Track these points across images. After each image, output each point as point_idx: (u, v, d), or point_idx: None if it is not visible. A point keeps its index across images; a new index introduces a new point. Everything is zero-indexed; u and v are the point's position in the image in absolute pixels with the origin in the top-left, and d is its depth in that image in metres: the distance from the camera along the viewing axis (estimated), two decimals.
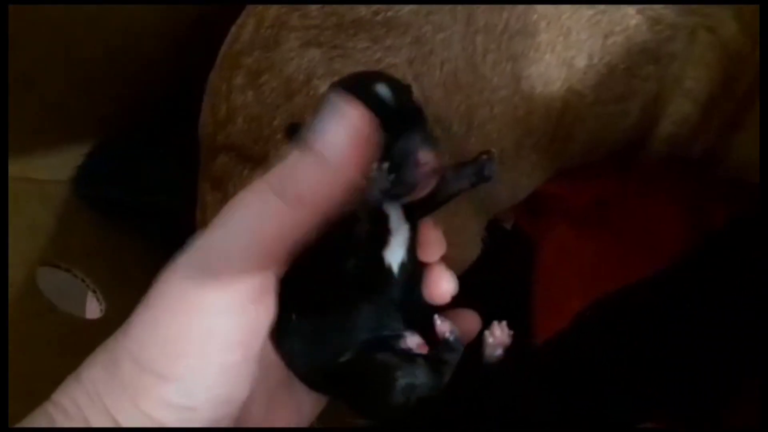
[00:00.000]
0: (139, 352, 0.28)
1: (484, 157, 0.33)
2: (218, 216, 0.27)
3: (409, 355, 0.32)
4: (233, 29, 0.49)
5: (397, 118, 0.29)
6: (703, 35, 0.46)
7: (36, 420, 0.29)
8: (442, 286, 0.34)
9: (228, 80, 0.47)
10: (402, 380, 0.31)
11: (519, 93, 0.45)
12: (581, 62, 0.45)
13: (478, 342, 0.38)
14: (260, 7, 0.47)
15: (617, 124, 0.49)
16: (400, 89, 0.30)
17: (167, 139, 0.67)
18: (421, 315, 0.34)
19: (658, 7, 0.45)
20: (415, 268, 0.34)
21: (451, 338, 0.33)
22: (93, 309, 0.66)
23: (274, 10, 0.46)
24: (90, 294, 0.65)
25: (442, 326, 0.33)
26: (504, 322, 0.34)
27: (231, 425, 0.30)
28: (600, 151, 0.51)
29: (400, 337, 0.33)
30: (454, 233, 0.52)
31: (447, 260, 0.54)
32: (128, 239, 0.69)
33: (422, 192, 0.30)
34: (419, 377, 0.31)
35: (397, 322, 0.33)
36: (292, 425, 0.35)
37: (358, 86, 0.29)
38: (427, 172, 0.29)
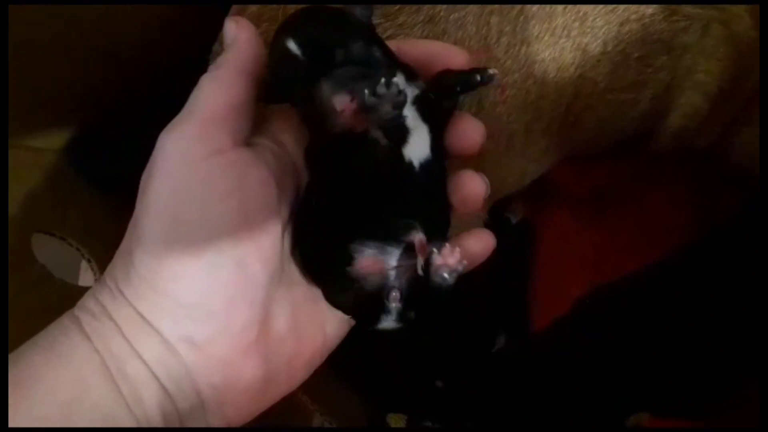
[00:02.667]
0: (147, 230, 0.30)
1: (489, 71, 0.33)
2: None
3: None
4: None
5: (317, 62, 0.32)
6: (717, 29, 0.46)
7: (63, 322, 0.31)
8: (473, 188, 0.36)
9: None
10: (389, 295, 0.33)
11: (532, 77, 0.45)
12: (596, 49, 0.45)
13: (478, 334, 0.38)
14: None
15: (627, 113, 0.49)
16: (320, 28, 0.33)
17: (164, 109, 0.66)
18: (440, 218, 0.35)
19: None
20: (440, 168, 0.35)
21: (445, 268, 0.32)
22: (87, 277, 0.65)
23: None
24: (84, 263, 0.65)
25: (446, 255, 0.32)
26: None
27: (252, 332, 0.31)
28: (608, 139, 0.51)
29: (408, 228, 0.33)
30: (456, 218, 0.52)
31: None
32: (123, 210, 0.68)
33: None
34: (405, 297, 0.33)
35: (413, 221, 0.33)
36: (317, 343, 0.36)
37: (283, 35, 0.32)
38: (349, 114, 0.31)
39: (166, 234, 0.30)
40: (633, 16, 0.45)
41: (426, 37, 0.43)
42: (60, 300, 0.58)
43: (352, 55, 0.32)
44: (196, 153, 0.31)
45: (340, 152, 0.33)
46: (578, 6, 0.44)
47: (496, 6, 0.43)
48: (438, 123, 0.35)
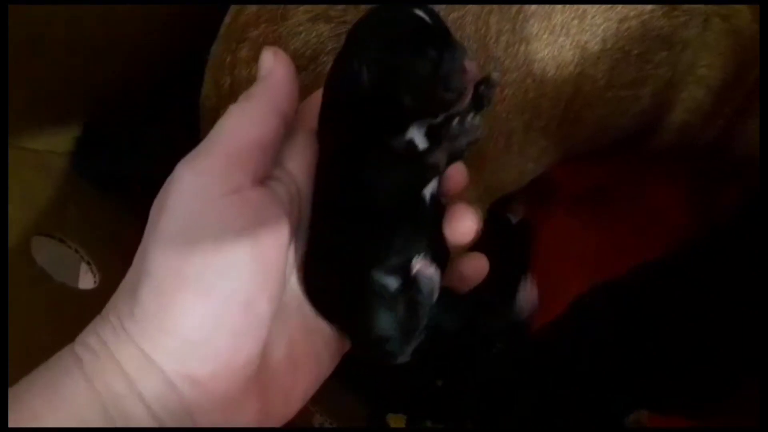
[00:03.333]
0: (156, 265, 0.29)
1: (482, 86, 0.33)
2: None
3: (393, 293, 0.32)
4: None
5: (443, 36, 0.32)
6: (717, 22, 0.45)
7: (62, 360, 0.30)
8: (466, 223, 0.35)
9: (233, 53, 0.46)
10: (382, 314, 0.32)
11: (531, 75, 0.45)
12: (595, 46, 0.45)
13: (474, 329, 0.39)
14: None
15: (628, 110, 0.49)
16: (431, 12, 0.32)
17: (165, 110, 0.66)
18: (440, 254, 0.34)
19: None
20: (440, 204, 0.35)
21: (422, 277, 0.32)
22: (85, 279, 0.65)
23: None
24: (83, 265, 0.65)
25: (418, 263, 0.32)
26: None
27: (252, 366, 0.31)
28: (608, 136, 0.51)
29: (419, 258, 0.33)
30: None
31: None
32: (123, 211, 0.68)
33: (465, 100, 0.32)
34: (399, 312, 0.32)
35: (422, 250, 0.33)
36: (312, 374, 0.36)
37: (404, 19, 0.32)
38: (471, 78, 0.32)
39: (177, 272, 0.29)
40: (632, 13, 0.44)
41: None
42: (60, 302, 0.59)
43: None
44: (214, 191, 0.30)
45: (372, 170, 0.33)
46: (577, 4, 0.43)
47: (496, 5, 0.43)
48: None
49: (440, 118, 0.33)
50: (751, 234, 0.53)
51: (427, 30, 0.31)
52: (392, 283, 0.32)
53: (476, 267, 0.37)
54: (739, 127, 0.50)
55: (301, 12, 0.43)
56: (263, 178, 0.32)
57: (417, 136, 0.33)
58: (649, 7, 0.44)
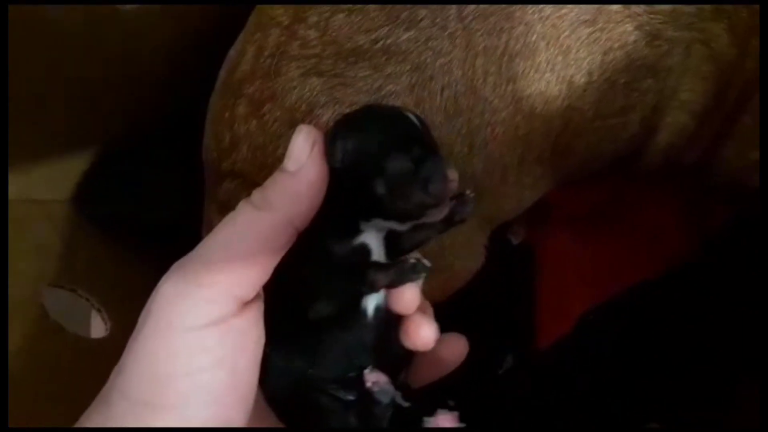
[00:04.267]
0: (130, 387, 0.28)
1: (456, 201, 0.32)
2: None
3: (345, 402, 0.32)
4: (231, 54, 0.49)
5: (423, 143, 0.31)
6: (698, 49, 0.46)
7: None
8: (423, 333, 0.33)
9: (231, 108, 0.47)
10: (337, 423, 0.32)
11: (520, 113, 0.46)
12: (581, 79, 0.46)
13: (485, 355, 0.38)
14: (258, 34, 0.47)
15: (617, 136, 0.50)
16: (422, 120, 0.32)
17: (168, 155, 0.66)
18: (396, 354, 0.34)
19: (655, 23, 0.45)
20: (389, 312, 0.33)
21: (375, 389, 0.31)
22: (98, 328, 0.66)
23: (274, 37, 0.46)
24: (95, 313, 0.66)
25: (369, 376, 0.32)
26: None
27: None
28: (600, 161, 0.52)
29: (361, 375, 0.33)
30: (460, 247, 0.53)
31: (450, 270, 0.55)
32: (131, 256, 0.69)
33: (441, 211, 0.31)
34: (351, 423, 0.32)
35: (366, 362, 0.33)
36: None
37: (395, 115, 0.31)
38: (452, 188, 0.30)
39: (153, 398, 0.28)
40: (616, 45, 0.45)
41: (414, 85, 0.44)
42: (72, 352, 0.60)
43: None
44: (197, 321, 0.28)
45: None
46: (560, 40, 0.44)
47: (480, 48, 0.44)
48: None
49: (406, 227, 0.33)
50: (742, 250, 0.54)
51: (415, 131, 0.31)
52: (343, 395, 0.32)
53: (454, 350, 0.35)
54: (719, 149, 0.51)
55: (293, 68, 0.45)
56: (253, 297, 0.30)
57: (373, 241, 0.32)
58: (631, 38, 0.45)
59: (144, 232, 0.69)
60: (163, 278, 0.29)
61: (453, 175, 0.30)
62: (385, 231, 0.33)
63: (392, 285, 0.31)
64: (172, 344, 0.28)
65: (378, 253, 0.33)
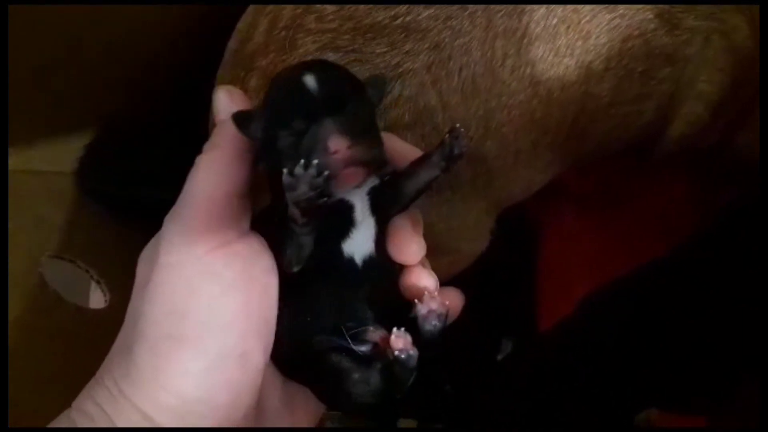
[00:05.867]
0: (149, 326, 0.29)
1: (449, 136, 0.32)
2: None
3: (366, 359, 0.33)
4: (241, 27, 0.49)
5: (322, 105, 0.29)
6: (717, 40, 0.46)
7: (59, 429, 0.30)
8: (424, 284, 0.34)
9: (242, 81, 0.46)
10: (357, 384, 0.32)
11: (537, 97, 0.45)
12: (599, 66, 0.45)
13: (480, 335, 0.38)
14: (272, 6, 0.46)
15: (632, 124, 0.49)
16: (332, 77, 0.31)
17: (168, 130, 0.66)
18: (394, 307, 0.34)
19: (675, 11, 0.45)
20: (386, 262, 0.34)
21: (402, 356, 0.31)
22: (97, 299, 0.65)
23: (288, 10, 0.45)
24: (94, 284, 0.65)
25: (395, 342, 0.32)
26: (435, 293, 0.33)
27: (250, 415, 0.32)
28: (613, 148, 0.52)
29: (364, 330, 0.33)
30: (468, 229, 0.53)
31: (457, 253, 0.55)
32: (132, 230, 0.68)
33: (347, 182, 0.30)
34: (372, 383, 0.32)
35: (363, 313, 0.33)
36: (310, 412, 0.37)
37: (290, 77, 0.31)
38: (340, 159, 0.29)
39: (172, 330, 0.29)
40: (635, 32, 0.45)
41: (432, 64, 0.44)
42: (71, 324, 0.60)
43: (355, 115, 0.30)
44: (200, 248, 0.30)
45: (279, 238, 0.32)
46: (581, 25, 0.44)
47: (500, 29, 0.43)
48: (388, 218, 0.34)
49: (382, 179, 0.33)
50: (748, 232, 0.54)
51: (307, 97, 0.30)
52: (357, 346, 0.33)
53: (451, 303, 0.35)
54: (732, 139, 0.52)
55: (309, 42, 0.44)
56: (248, 224, 0.33)
57: (355, 197, 0.33)
58: (651, 26, 0.45)
59: (144, 208, 0.69)
60: (160, 231, 0.32)
61: (337, 143, 0.29)
62: (367, 187, 0.33)
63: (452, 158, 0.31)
64: (186, 274, 0.30)
65: (362, 210, 0.33)
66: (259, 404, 0.33)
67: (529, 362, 0.62)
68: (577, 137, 0.49)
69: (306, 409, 0.36)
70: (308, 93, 0.30)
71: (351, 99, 0.30)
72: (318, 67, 0.31)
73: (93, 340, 0.57)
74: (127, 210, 0.67)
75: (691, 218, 0.63)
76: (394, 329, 0.32)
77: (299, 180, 0.28)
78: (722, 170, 0.58)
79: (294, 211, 0.30)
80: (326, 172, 0.28)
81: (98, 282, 0.65)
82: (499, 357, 0.64)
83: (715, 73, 0.47)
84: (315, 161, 0.28)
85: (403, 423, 0.69)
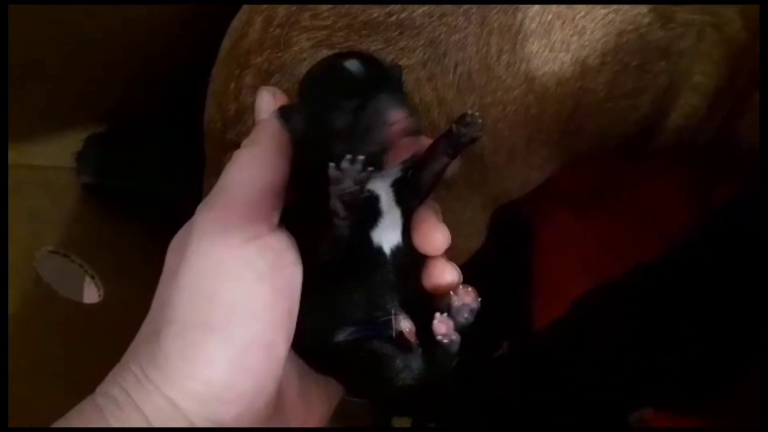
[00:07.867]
0: (176, 311, 0.30)
1: (458, 124, 0.32)
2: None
3: (407, 346, 0.33)
4: (236, 25, 0.48)
5: (369, 85, 0.31)
6: (711, 33, 0.47)
7: (84, 412, 0.30)
8: (447, 277, 0.35)
9: (237, 79, 0.46)
10: (400, 370, 0.33)
11: (532, 92, 0.45)
12: (595, 60, 0.45)
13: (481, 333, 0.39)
14: (266, 4, 0.46)
15: (628, 117, 0.50)
16: (370, 62, 0.32)
17: (166, 126, 0.66)
18: (418, 298, 0.35)
19: (669, 6, 0.45)
20: (412, 252, 0.35)
21: (446, 341, 0.32)
22: (91, 294, 0.65)
23: (283, 8, 0.45)
24: (88, 279, 0.65)
25: (438, 327, 0.32)
26: (470, 287, 0.33)
27: (271, 405, 0.32)
28: (610, 142, 0.52)
29: (392, 319, 0.34)
30: (464, 225, 0.53)
31: (452, 249, 0.55)
32: (127, 226, 0.68)
33: (399, 156, 0.32)
34: (414, 367, 0.33)
35: (391, 303, 0.34)
36: (324, 405, 0.37)
37: (331, 65, 0.32)
38: (399, 130, 0.30)
39: (201, 317, 0.30)
40: (630, 27, 0.45)
41: (427, 60, 0.44)
42: (66, 318, 0.60)
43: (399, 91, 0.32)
44: (234, 240, 0.31)
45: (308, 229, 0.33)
46: (576, 21, 0.44)
47: (495, 25, 0.43)
48: (412, 208, 0.35)
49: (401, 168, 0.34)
50: (742, 234, 0.55)
51: (352, 79, 0.31)
52: (386, 332, 0.33)
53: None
54: (731, 128, 0.52)
55: (304, 39, 0.44)
56: (277, 219, 0.33)
57: (380, 189, 0.34)
58: (646, 20, 0.45)
59: (140, 202, 0.69)
60: (191, 220, 0.32)
61: (396, 115, 0.30)
62: (391, 179, 0.34)
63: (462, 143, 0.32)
64: (220, 260, 0.30)
65: (387, 202, 0.34)
66: (279, 396, 0.33)
67: (522, 361, 0.62)
68: (572, 132, 0.49)
69: (321, 399, 0.37)
70: (353, 75, 0.31)
71: (389, 78, 0.32)
72: (353, 54, 0.33)
73: (88, 334, 0.58)
74: (124, 204, 0.67)
75: (684, 218, 0.63)
76: (437, 314, 0.33)
77: (345, 174, 0.29)
78: (720, 165, 0.59)
79: (337, 205, 0.30)
80: (370, 169, 0.29)
81: (92, 277, 0.65)
82: (496, 354, 0.64)
83: (709, 65, 0.48)
84: (361, 157, 0.29)
85: (397, 422, 0.69)
